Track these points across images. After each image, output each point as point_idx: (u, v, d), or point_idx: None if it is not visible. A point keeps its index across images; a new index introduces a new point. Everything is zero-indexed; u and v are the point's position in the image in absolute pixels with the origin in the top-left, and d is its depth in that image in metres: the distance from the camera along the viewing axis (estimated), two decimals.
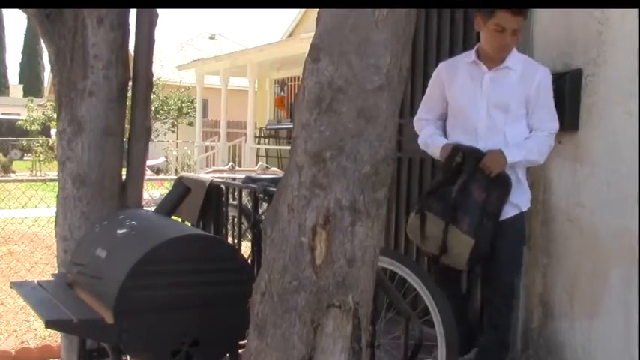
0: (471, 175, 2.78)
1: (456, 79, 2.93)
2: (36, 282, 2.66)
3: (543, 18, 3.21)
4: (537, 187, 3.21)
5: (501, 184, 2.81)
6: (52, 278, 2.81)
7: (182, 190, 2.88)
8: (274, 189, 2.85)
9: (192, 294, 2.30)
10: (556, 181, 3.14)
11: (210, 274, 2.33)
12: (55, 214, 3.22)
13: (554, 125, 2.89)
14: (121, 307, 2.17)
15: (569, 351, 3.07)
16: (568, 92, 3.02)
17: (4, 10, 35.35)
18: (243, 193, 3.70)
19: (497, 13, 2.72)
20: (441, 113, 3.06)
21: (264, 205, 3.37)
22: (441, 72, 3.02)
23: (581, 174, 3.03)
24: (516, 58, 2.88)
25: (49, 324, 2.19)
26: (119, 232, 2.48)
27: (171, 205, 2.84)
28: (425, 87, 3.87)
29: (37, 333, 4.53)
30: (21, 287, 2.59)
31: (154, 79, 3.47)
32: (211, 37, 28.72)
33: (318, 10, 1.84)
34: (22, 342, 4.37)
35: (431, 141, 3.03)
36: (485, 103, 2.86)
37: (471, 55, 2.93)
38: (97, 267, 2.38)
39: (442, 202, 2.82)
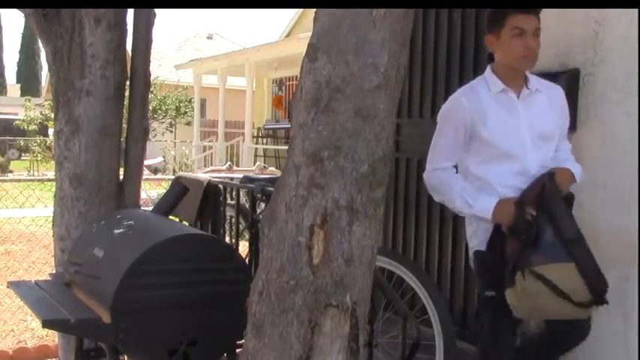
0: (558, 210, 2.33)
1: (488, 115, 2.45)
2: (33, 282, 2.65)
3: (540, 17, 3.21)
4: None
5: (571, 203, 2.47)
6: (50, 278, 2.80)
7: (179, 189, 2.87)
8: (272, 188, 2.85)
9: (189, 294, 2.30)
10: None
11: (208, 274, 2.33)
12: (52, 214, 3.22)
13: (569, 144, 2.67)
14: (119, 306, 2.17)
15: None
16: (565, 92, 3.01)
17: (2, 10, 35.34)
18: (241, 193, 3.70)
19: (510, 17, 2.42)
20: (459, 158, 2.56)
21: (262, 205, 3.37)
22: (463, 108, 2.48)
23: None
24: (532, 78, 2.56)
25: (46, 324, 2.19)
26: (116, 231, 2.48)
27: (168, 204, 2.84)
28: (423, 87, 3.90)
29: (35, 333, 4.52)
30: (18, 287, 2.59)
31: (152, 78, 3.47)
32: (209, 37, 28.70)
33: (315, 9, 1.83)
34: (20, 342, 4.37)
35: (471, 200, 2.45)
36: (529, 136, 2.46)
37: (493, 81, 2.51)
38: (94, 267, 2.38)
39: (549, 247, 2.28)
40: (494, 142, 2.44)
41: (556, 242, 2.27)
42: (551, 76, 3.07)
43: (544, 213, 2.31)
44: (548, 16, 3.15)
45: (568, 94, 3.01)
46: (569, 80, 3.03)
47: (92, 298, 2.31)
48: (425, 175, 2.61)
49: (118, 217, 2.71)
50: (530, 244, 2.28)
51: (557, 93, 2.61)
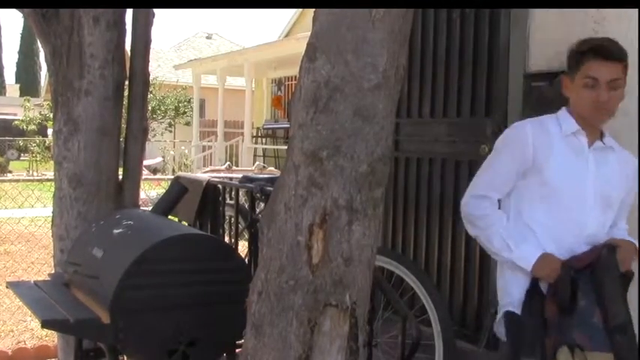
0: (609, 291, 2.08)
1: (554, 153, 2.19)
2: (32, 282, 2.65)
3: (539, 16, 3.21)
4: None
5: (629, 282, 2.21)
6: (49, 278, 2.80)
7: (179, 189, 2.87)
8: (271, 188, 2.85)
9: (188, 294, 2.30)
10: None
11: (207, 274, 2.33)
12: (51, 214, 3.21)
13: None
14: (118, 306, 2.16)
15: None
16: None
17: (0, 10, 35.34)
18: (240, 193, 3.69)
19: (585, 63, 2.15)
20: (509, 190, 2.29)
21: (261, 205, 3.37)
22: (527, 137, 2.22)
23: None
24: (608, 135, 2.30)
25: (46, 324, 2.19)
26: (115, 231, 2.48)
27: (167, 204, 2.84)
28: (422, 86, 3.90)
29: (34, 333, 4.52)
30: (17, 287, 2.59)
31: (151, 78, 3.47)
32: (208, 37, 28.70)
33: (314, 9, 1.83)
34: (19, 342, 4.37)
35: (513, 244, 2.21)
36: (593, 192, 2.20)
37: (566, 121, 2.25)
38: (93, 267, 2.37)
39: (594, 330, 2.05)
40: (553, 184, 2.18)
41: (601, 327, 2.04)
42: (551, 75, 3.08)
43: (592, 290, 2.07)
44: (547, 14, 3.16)
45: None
46: None
47: (91, 298, 2.31)
48: (463, 202, 2.32)
49: (117, 217, 2.71)
50: (567, 311, 2.07)
51: (630, 160, 2.31)
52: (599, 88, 2.13)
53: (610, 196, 2.23)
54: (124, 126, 3.28)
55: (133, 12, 3.22)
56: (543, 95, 3.11)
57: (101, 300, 2.22)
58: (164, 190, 3.13)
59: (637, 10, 2.77)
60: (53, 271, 3.11)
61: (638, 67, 2.78)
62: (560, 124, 2.24)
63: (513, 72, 3.31)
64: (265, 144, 16.53)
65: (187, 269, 2.30)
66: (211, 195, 3.71)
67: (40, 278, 3.01)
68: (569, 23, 3.07)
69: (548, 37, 3.19)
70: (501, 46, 3.38)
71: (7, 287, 2.74)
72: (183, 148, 18.70)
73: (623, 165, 2.27)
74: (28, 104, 20.53)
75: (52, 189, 3.23)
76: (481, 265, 3.48)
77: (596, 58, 2.14)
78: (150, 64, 3.32)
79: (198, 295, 2.31)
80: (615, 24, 2.87)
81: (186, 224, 3.61)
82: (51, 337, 4.25)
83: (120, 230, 2.48)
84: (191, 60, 19.61)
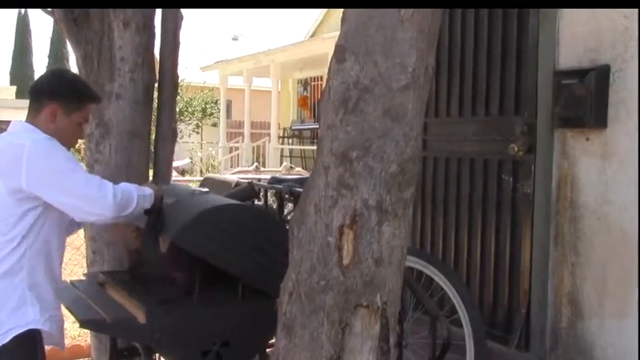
0: None
1: None
2: (69, 281, 2.69)
3: (569, 13, 3.17)
4: (565, 185, 3.17)
5: None
6: (84, 278, 2.84)
7: (249, 192, 2.86)
8: (300, 189, 2.85)
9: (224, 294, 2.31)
10: (584, 178, 3.11)
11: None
12: None
13: None
14: (154, 307, 2.19)
15: (599, 350, 3.03)
16: (595, 89, 2.99)
17: (30, 15, 35.87)
18: (269, 194, 3.71)
19: None
20: None
21: (290, 206, 3.38)
22: None
23: (609, 171, 2.99)
24: None
25: (84, 323, 2.21)
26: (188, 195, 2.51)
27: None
28: (450, 85, 3.87)
29: (67, 333, 4.58)
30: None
31: (179, 80, 3.50)
32: (234, 39, 28.86)
33: (343, 10, 1.84)
34: None
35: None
36: None
37: None
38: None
39: None
40: None
41: None
42: (581, 72, 3.04)
43: None
44: (578, 11, 3.12)
45: (598, 91, 2.99)
46: (599, 76, 2.99)
47: (127, 298, 2.34)
48: (108, 206, 2.26)
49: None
50: None
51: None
52: None
53: None
54: (153, 128, 3.32)
55: (162, 15, 3.26)
56: (573, 93, 3.08)
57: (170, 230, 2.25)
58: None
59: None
60: (86, 272, 3.15)
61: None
62: None
63: (543, 69, 3.28)
64: (292, 144, 16.57)
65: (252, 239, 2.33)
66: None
67: (73, 278, 3.05)
68: (599, 20, 3.03)
69: (577, 34, 3.15)
70: (530, 43, 3.34)
71: None
72: (210, 149, 18.83)
73: None
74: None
75: None
76: (511, 265, 3.45)
77: None
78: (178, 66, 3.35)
79: (233, 297, 2.32)
80: None
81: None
82: (84, 337, 4.31)
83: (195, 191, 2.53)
84: (217, 61, 19.71)
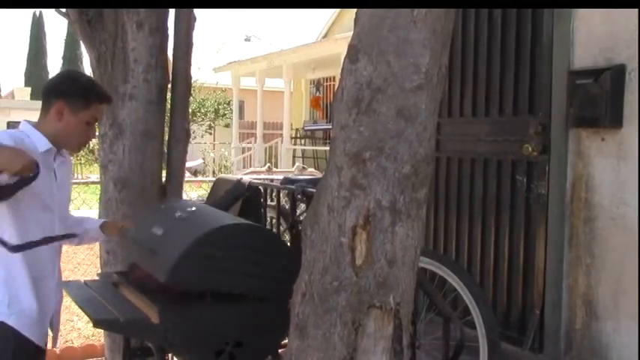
0: None
1: None
2: (83, 281, 2.71)
3: (584, 12, 3.15)
4: (579, 185, 3.15)
5: None
6: (97, 278, 2.86)
7: (240, 191, 2.88)
8: (313, 190, 2.85)
9: (243, 284, 2.31)
10: (598, 178, 3.08)
11: (263, 267, 2.34)
12: (97, 216, 3.28)
13: None
14: (167, 307, 2.20)
15: (614, 352, 3.01)
16: (611, 88, 2.96)
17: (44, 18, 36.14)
18: (281, 194, 3.71)
19: None
20: None
21: (302, 206, 3.38)
22: None
23: (624, 171, 2.96)
24: None
25: (97, 323, 2.23)
26: (177, 215, 2.49)
27: (227, 203, 2.86)
28: (463, 85, 3.86)
29: (81, 332, 4.62)
30: (68, 286, 2.65)
31: (192, 81, 3.51)
32: (247, 39, 28.92)
33: (356, 10, 1.83)
34: (66, 341, 4.47)
35: None
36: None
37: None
38: (153, 242, 2.39)
39: None
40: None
41: None
42: (596, 72, 3.02)
43: None
44: (592, 11, 3.10)
45: (613, 91, 2.97)
46: (615, 76, 2.96)
47: (140, 298, 2.35)
48: None
49: (180, 204, 2.73)
50: None
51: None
52: None
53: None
54: (166, 129, 3.33)
55: (175, 16, 3.27)
56: (588, 92, 3.06)
57: (159, 271, 2.23)
58: (205, 192, 3.17)
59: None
60: (100, 272, 3.17)
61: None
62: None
63: (557, 69, 3.26)
64: (304, 145, 16.57)
65: (245, 257, 2.33)
66: (253, 196, 3.73)
67: (87, 278, 3.07)
68: (614, 19, 3.00)
69: (593, 34, 3.12)
70: (545, 43, 3.32)
71: None
72: (223, 149, 18.87)
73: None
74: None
75: (97, 191, 3.30)
76: (525, 266, 3.43)
77: None
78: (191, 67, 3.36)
79: (245, 297, 2.33)
80: None
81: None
82: (97, 337, 4.33)
83: (182, 214, 2.50)
84: (230, 62, 19.75)
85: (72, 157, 2.64)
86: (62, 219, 2.41)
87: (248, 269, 2.30)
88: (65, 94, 2.30)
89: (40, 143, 2.26)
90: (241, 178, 3.73)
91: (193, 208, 2.55)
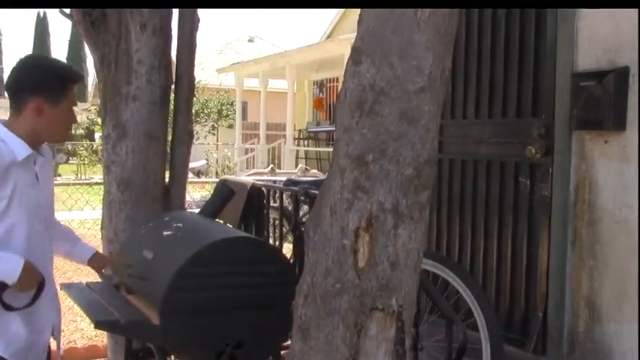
0: None
1: None
2: (84, 283, 2.71)
3: (587, 14, 3.14)
4: (583, 188, 3.14)
5: None
6: (99, 280, 2.86)
7: (227, 192, 2.90)
8: (315, 191, 2.86)
9: (237, 296, 2.31)
10: (602, 181, 3.07)
11: (255, 277, 2.35)
12: (100, 217, 3.28)
13: None
14: (167, 308, 2.20)
15: (617, 355, 3.00)
16: (614, 90, 2.95)
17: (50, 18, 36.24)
18: (284, 196, 3.71)
19: None
20: None
21: (305, 208, 3.38)
22: None
23: (628, 174, 2.96)
24: None
25: (98, 324, 2.23)
26: (165, 233, 2.52)
27: (215, 207, 2.87)
28: (466, 87, 3.86)
29: (84, 333, 4.62)
30: (70, 289, 2.66)
31: (195, 82, 3.51)
32: (250, 40, 28.94)
33: (359, 11, 1.83)
34: (70, 342, 4.47)
35: None
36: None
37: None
38: (143, 268, 2.41)
39: None
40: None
41: None
42: (600, 74, 3.01)
43: None
44: (596, 12, 3.09)
45: (616, 93, 2.96)
46: (618, 78, 2.95)
47: (141, 300, 2.35)
48: None
49: (166, 219, 2.75)
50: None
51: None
52: None
53: None
54: (169, 130, 3.34)
55: (179, 17, 3.27)
56: (592, 94, 3.05)
57: (151, 301, 2.26)
58: (208, 193, 3.17)
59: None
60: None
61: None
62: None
63: (561, 71, 3.25)
64: (307, 146, 16.57)
65: (236, 272, 2.32)
66: (256, 198, 3.74)
67: (90, 280, 3.08)
68: (618, 21, 3.00)
69: (596, 35, 3.12)
70: (548, 44, 3.32)
71: (60, 289, 2.81)
72: (226, 150, 18.89)
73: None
74: (75, 108, 20.99)
75: (100, 192, 3.30)
76: (528, 269, 3.42)
77: None
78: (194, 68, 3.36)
79: (247, 298, 2.32)
80: None
81: (231, 227, 3.64)
82: (100, 338, 4.34)
83: (169, 232, 2.52)
84: (233, 63, 19.79)
85: (52, 152, 2.54)
86: (48, 221, 2.29)
87: (241, 281, 2.30)
88: (40, 89, 2.12)
89: (19, 150, 2.08)
90: (225, 180, 3.75)
91: (180, 225, 2.54)
